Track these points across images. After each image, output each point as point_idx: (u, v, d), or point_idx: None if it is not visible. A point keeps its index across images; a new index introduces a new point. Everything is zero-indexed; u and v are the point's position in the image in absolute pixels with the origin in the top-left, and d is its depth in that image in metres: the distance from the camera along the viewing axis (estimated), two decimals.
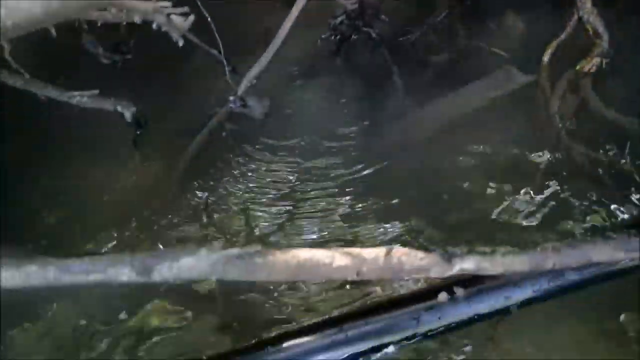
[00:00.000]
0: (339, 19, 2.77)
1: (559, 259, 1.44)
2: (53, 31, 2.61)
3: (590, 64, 2.37)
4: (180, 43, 1.83)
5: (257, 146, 2.44)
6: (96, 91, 2.03)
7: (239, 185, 2.26)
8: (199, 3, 2.31)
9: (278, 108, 2.62)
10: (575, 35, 2.51)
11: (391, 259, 1.40)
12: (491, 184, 2.04)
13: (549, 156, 2.14)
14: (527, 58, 2.64)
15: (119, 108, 2.15)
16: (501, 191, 2.02)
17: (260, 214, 2.11)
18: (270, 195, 2.20)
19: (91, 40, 2.56)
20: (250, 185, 2.27)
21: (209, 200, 1.86)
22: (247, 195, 2.21)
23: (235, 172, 2.33)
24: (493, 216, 1.89)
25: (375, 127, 2.45)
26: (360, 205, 2.04)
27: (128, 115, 2.24)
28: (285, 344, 1.45)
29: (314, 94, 2.69)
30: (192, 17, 1.87)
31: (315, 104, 2.63)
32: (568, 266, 1.44)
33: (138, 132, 2.37)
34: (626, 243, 1.45)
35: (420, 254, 1.41)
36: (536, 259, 1.44)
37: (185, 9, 1.96)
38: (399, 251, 1.42)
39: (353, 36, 2.91)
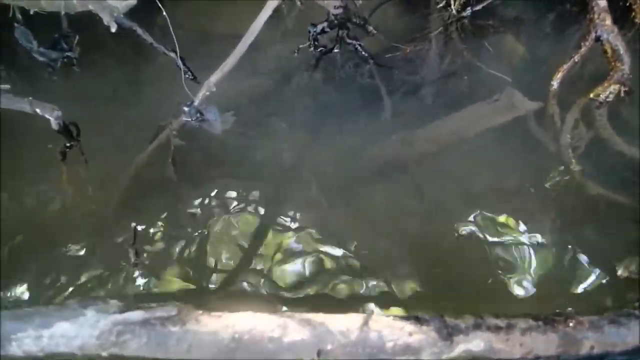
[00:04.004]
0: (320, 27, 2.39)
1: (600, 338, 1.04)
2: None
3: (607, 92, 2.03)
4: (113, 29, 1.46)
5: (212, 170, 2.03)
6: (7, 86, 1.60)
7: (185, 218, 1.84)
8: (158, 3, 1.95)
9: (242, 127, 2.22)
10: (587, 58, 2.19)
11: (367, 333, 0.98)
12: (491, 229, 1.68)
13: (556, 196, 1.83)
14: (531, 82, 2.31)
15: (39, 111, 1.71)
16: (505, 237, 1.65)
17: (208, 257, 1.70)
18: (226, 235, 1.78)
19: (23, 30, 2.14)
20: (198, 218, 1.85)
21: (137, 232, 1.42)
22: (192, 231, 1.79)
23: (183, 201, 1.91)
24: (501, 274, 1.50)
25: (354, 153, 2.08)
26: (334, 249, 1.65)
27: (53, 121, 1.81)
28: None
29: (284, 114, 2.30)
30: (132, 1, 1.50)
31: (283, 125, 2.23)
32: (612, 351, 1.04)
33: (68, 145, 1.93)
34: None
35: (409, 326, 0.99)
36: (568, 338, 1.03)
37: None
38: (378, 321, 1.00)
39: (335, 49, 2.54)
